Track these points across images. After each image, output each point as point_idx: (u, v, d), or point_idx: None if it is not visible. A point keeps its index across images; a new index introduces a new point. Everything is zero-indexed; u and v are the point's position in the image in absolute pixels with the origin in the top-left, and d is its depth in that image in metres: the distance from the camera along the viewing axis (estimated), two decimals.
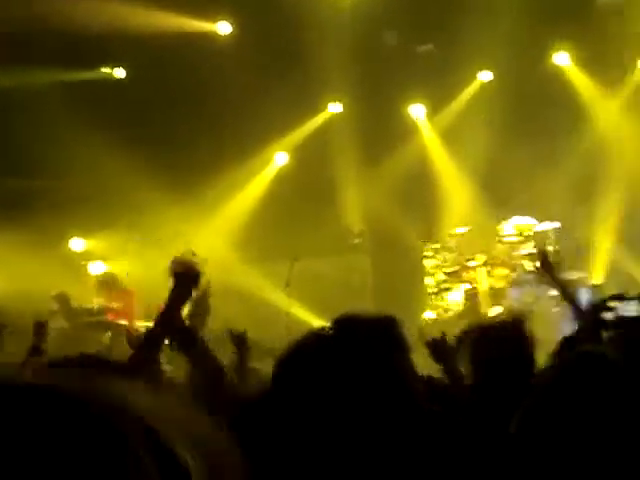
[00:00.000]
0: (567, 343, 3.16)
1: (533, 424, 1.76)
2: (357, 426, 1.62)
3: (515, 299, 11.00)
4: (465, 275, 11.69)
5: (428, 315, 11.84)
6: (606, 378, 1.75)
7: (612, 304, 2.69)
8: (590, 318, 2.94)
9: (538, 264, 3.71)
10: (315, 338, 1.74)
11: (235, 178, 12.63)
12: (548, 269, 3.68)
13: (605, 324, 2.70)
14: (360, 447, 1.60)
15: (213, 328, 4.10)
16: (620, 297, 2.67)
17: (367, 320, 1.78)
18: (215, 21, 12.09)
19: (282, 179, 13.12)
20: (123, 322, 9.66)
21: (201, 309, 3.65)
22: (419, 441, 1.69)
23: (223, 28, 12.15)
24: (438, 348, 3.73)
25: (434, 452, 1.75)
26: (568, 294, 3.60)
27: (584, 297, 2.99)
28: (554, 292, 6.23)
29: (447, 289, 11.83)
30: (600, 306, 2.77)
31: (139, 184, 10.95)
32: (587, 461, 1.66)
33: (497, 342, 3.49)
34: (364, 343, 1.68)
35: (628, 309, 2.57)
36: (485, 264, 11.54)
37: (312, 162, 12.78)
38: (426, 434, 1.74)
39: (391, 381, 1.65)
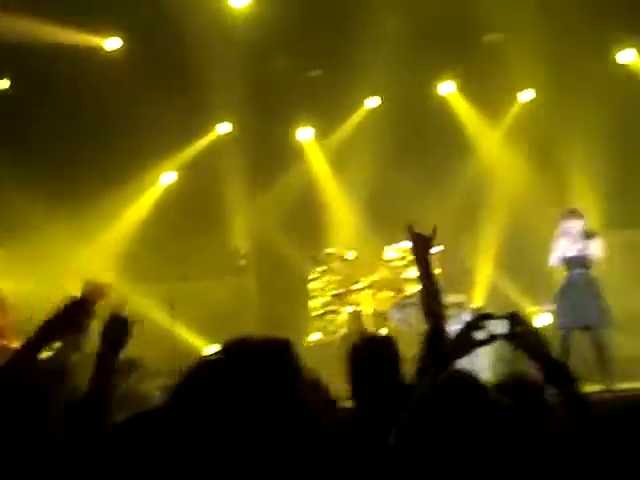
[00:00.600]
0: (435, 359, 3.31)
1: (409, 438, 1.92)
2: (255, 453, 1.60)
3: (399, 321, 11.17)
4: (350, 298, 11.80)
5: (313, 337, 11.88)
6: (475, 398, 1.96)
7: (482, 323, 2.84)
8: (463, 337, 3.11)
9: (409, 238, 3.77)
10: (205, 364, 1.70)
11: (121, 196, 12.41)
12: (420, 247, 3.74)
13: (475, 342, 2.87)
14: (256, 471, 1.58)
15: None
16: (489, 316, 2.85)
17: (259, 343, 1.75)
18: (105, 36, 11.86)
19: (169, 199, 12.97)
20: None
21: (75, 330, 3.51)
22: (321, 462, 1.69)
23: (112, 43, 11.92)
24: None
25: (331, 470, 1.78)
26: (426, 277, 3.69)
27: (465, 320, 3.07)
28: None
29: (332, 311, 11.91)
30: (472, 325, 2.91)
31: (18, 199, 10.64)
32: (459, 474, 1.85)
33: (369, 360, 3.82)
34: (257, 367, 1.66)
35: (497, 328, 2.77)
36: (370, 287, 11.68)
37: (200, 183, 12.69)
38: (327, 454, 1.75)
39: (288, 405, 1.63)
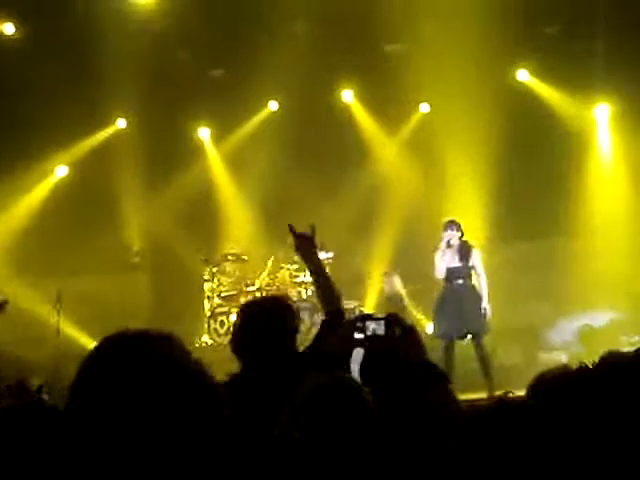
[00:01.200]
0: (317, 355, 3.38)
1: (291, 433, 2.10)
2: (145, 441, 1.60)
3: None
4: (243, 300, 11.76)
5: (204, 339, 11.80)
6: (351, 399, 2.17)
7: (361, 324, 2.94)
8: (344, 336, 3.22)
9: (295, 239, 3.81)
10: (88, 360, 1.68)
11: (11, 189, 12.08)
12: (303, 246, 3.80)
13: (355, 341, 2.97)
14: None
15: None
16: (368, 317, 2.95)
17: (141, 337, 1.74)
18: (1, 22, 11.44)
19: (61, 194, 12.69)
20: None
21: None
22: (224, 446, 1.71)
23: (8, 29, 11.49)
24: None
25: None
26: (318, 271, 3.75)
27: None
28: None
29: (224, 313, 11.84)
30: (352, 325, 3.00)
31: None
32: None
33: (259, 321, 3.60)
34: (135, 361, 1.66)
35: (376, 328, 2.87)
36: (262, 290, 11.67)
37: (95, 177, 12.48)
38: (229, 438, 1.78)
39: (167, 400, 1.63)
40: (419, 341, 2.88)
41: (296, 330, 3.52)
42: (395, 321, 2.90)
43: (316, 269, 3.76)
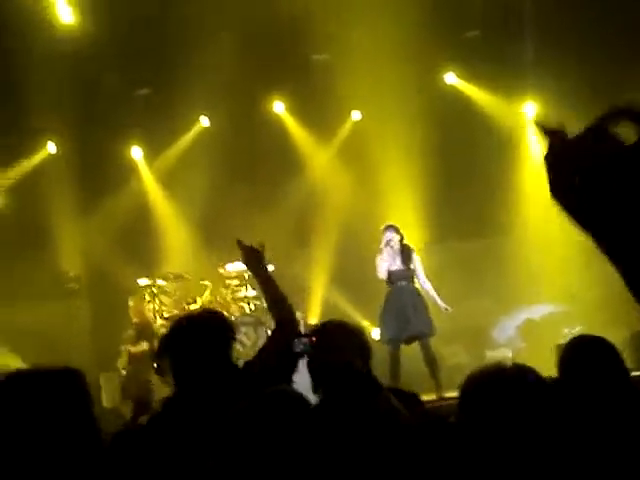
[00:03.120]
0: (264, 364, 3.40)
1: (231, 442, 2.15)
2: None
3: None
4: None
5: None
6: (293, 411, 2.21)
7: (297, 339, 2.99)
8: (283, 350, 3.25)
9: (245, 254, 3.82)
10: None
11: None
12: (252, 260, 3.81)
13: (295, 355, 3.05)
14: None
15: None
16: (302, 334, 3.04)
17: (44, 373, 1.86)
18: None
19: None
20: None
21: None
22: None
23: None
24: None
25: None
26: (267, 284, 3.76)
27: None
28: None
29: None
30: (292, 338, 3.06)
31: None
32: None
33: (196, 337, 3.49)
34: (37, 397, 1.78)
35: (306, 343, 2.95)
36: (202, 307, 11.55)
37: (26, 204, 12.28)
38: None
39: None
40: (359, 351, 2.91)
41: (228, 342, 3.35)
42: (317, 333, 2.95)
43: (265, 281, 3.75)
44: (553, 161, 1.17)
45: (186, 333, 3.29)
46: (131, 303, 10.92)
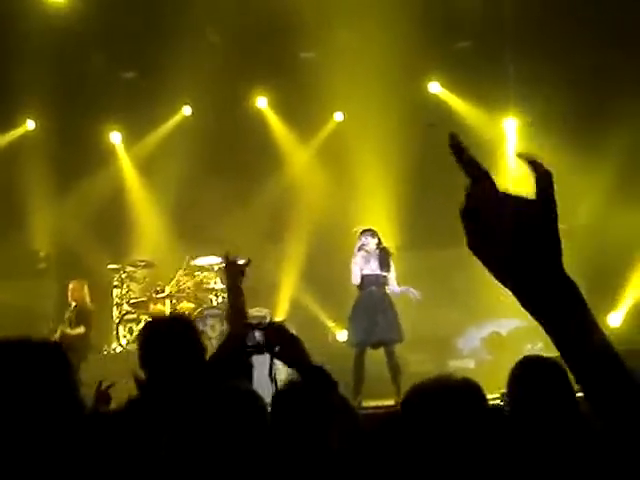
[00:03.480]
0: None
1: (183, 440, 2.18)
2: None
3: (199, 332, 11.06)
4: (152, 307, 11.60)
5: (113, 346, 11.60)
6: (246, 405, 2.26)
7: (251, 334, 3.05)
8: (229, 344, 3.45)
9: (223, 265, 3.91)
10: None
11: None
12: (233, 274, 3.87)
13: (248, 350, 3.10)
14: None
15: None
16: (256, 326, 3.08)
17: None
18: None
19: None
20: None
21: None
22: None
23: None
24: None
25: None
26: (236, 299, 3.80)
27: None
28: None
29: (133, 320, 11.65)
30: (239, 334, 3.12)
31: None
32: None
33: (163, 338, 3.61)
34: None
35: (259, 337, 2.99)
36: (172, 296, 11.54)
37: (1, 180, 12.15)
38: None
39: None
40: (299, 346, 2.94)
41: (197, 345, 3.47)
42: (273, 329, 2.98)
43: (236, 297, 3.82)
44: (477, 213, 1.16)
45: (154, 342, 3.43)
46: (71, 286, 10.92)
